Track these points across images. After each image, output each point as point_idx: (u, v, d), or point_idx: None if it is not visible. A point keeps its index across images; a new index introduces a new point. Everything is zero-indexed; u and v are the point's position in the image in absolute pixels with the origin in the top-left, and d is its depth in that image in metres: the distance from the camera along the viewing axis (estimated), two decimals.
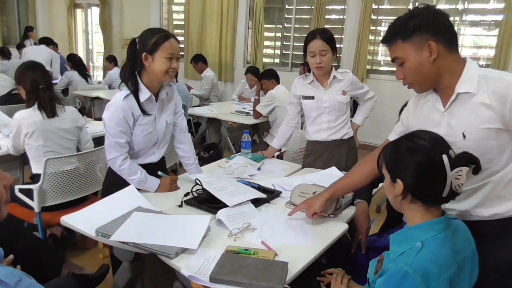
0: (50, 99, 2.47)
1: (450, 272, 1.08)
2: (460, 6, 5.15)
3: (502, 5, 4.86)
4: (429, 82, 1.38)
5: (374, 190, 2.00)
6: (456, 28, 5.12)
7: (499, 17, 4.91)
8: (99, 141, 3.23)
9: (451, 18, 4.86)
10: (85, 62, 7.36)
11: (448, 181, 1.11)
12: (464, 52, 5.37)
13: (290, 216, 1.71)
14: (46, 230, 2.54)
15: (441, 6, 5.23)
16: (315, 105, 2.52)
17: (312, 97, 2.51)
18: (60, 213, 1.93)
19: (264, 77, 4.42)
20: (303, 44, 2.45)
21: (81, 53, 9.71)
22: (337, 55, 2.50)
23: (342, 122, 2.56)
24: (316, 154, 2.59)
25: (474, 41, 5.44)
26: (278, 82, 4.39)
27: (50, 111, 2.46)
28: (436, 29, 1.30)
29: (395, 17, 1.38)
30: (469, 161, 1.12)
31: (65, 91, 5.95)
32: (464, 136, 1.31)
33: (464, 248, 1.18)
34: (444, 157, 1.11)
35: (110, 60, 6.59)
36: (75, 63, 6.07)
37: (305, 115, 2.63)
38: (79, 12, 9.87)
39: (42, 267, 2.01)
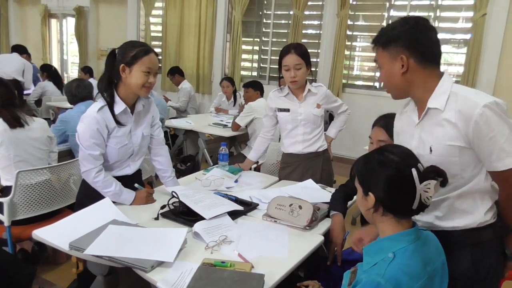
0: (12, 114, 2.44)
1: (420, 282, 1.11)
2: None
3: (469, 25, 5.07)
4: (399, 92, 1.43)
5: (349, 203, 2.03)
6: None
7: (467, 36, 5.11)
8: (70, 153, 3.19)
9: None
10: (59, 72, 7.23)
11: (418, 193, 1.14)
12: None
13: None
14: (16, 244, 2.47)
15: None
16: (291, 117, 2.55)
17: (288, 110, 2.55)
18: (32, 227, 1.88)
19: (253, 86, 4.48)
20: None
21: (56, 64, 9.52)
22: (312, 70, 2.55)
23: (316, 134, 2.60)
24: (292, 167, 2.62)
25: (445, 58, 5.64)
26: (261, 96, 4.47)
27: (15, 122, 2.43)
28: (410, 44, 1.34)
29: (370, 33, 1.43)
30: (437, 174, 1.17)
31: (38, 102, 5.82)
32: (431, 151, 1.35)
33: (434, 259, 1.21)
34: (413, 170, 1.15)
35: (86, 71, 6.50)
36: (50, 73, 5.95)
37: (280, 127, 2.66)
38: (53, 22, 9.72)
39: (11, 283, 1.95)
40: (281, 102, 2.57)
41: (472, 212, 1.37)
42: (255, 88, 4.46)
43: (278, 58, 2.49)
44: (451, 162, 1.32)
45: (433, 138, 1.35)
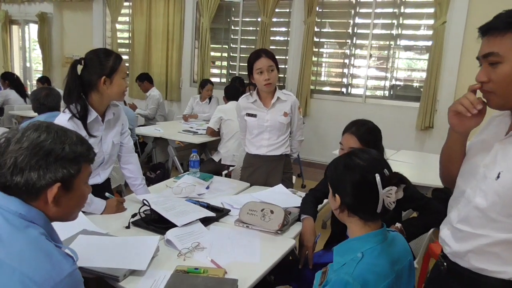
0: None
1: (388, 281, 1.15)
2: (394, 32, 5.51)
3: (430, 32, 5.27)
4: None
5: (320, 206, 2.08)
6: (391, 52, 5.51)
7: (429, 43, 5.31)
8: None
9: (387, 42, 5.12)
10: (22, 80, 6.99)
11: (380, 198, 1.18)
12: (399, 74, 5.72)
13: None
14: None
15: (377, 31, 5.58)
16: (257, 123, 2.63)
17: (255, 115, 2.63)
18: None
19: (226, 93, 4.64)
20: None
21: (18, 71, 9.21)
22: (279, 76, 2.65)
23: (281, 141, 2.67)
24: (254, 167, 2.69)
25: (408, 64, 5.83)
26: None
27: None
28: None
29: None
30: (400, 181, 1.19)
31: (0, 111, 5.62)
32: (498, 177, 1.10)
33: (401, 259, 1.26)
34: (377, 176, 1.17)
35: (43, 81, 6.28)
36: (12, 81, 5.76)
37: (247, 131, 2.74)
38: (15, 28, 9.40)
39: None
40: (249, 108, 2.65)
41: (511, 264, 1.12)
42: (228, 96, 4.59)
43: (247, 64, 2.53)
44: None
45: (508, 164, 1.09)
